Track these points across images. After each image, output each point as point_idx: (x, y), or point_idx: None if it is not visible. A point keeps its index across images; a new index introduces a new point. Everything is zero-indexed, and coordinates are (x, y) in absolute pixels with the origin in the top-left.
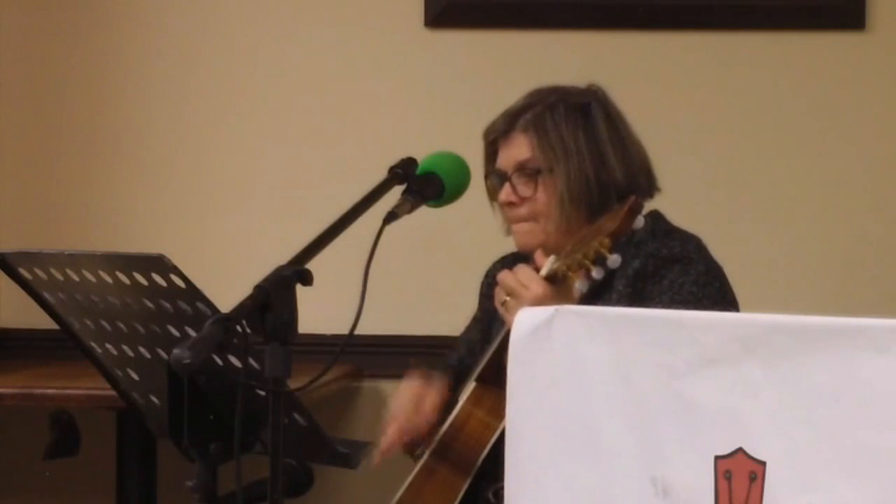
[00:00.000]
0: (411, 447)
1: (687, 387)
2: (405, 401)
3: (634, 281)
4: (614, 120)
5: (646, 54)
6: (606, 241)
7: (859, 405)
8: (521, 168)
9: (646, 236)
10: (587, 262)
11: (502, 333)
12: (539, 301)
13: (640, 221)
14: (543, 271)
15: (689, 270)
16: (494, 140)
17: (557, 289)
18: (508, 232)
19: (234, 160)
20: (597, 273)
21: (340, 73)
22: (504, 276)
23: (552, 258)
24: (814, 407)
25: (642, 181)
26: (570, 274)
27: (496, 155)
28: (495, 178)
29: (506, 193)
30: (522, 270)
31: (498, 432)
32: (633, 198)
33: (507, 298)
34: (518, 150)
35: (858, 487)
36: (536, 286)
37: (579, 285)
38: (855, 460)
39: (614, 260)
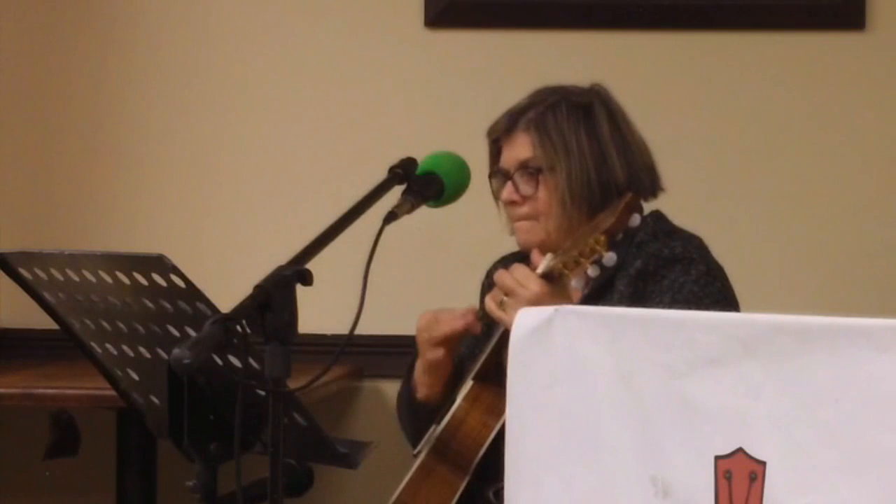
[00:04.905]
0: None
1: (687, 387)
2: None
3: (636, 281)
4: (617, 119)
5: (646, 54)
6: (602, 238)
7: (860, 405)
8: (523, 167)
9: (647, 237)
10: (583, 259)
11: (500, 332)
12: (537, 299)
13: (635, 219)
14: (540, 269)
15: (689, 270)
16: (497, 139)
17: (554, 287)
18: (512, 231)
19: (233, 160)
20: (592, 271)
21: (340, 72)
22: (501, 276)
23: (548, 256)
24: (814, 407)
25: (645, 180)
26: (566, 272)
27: (500, 154)
28: (499, 177)
29: (508, 192)
30: (519, 269)
31: (496, 431)
32: (629, 195)
33: (505, 298)
34: (520, 149)
35: (858, 488)
36: (534, 285)
37: (576, 283)
38: (855, 460)
39: (610, 257)
